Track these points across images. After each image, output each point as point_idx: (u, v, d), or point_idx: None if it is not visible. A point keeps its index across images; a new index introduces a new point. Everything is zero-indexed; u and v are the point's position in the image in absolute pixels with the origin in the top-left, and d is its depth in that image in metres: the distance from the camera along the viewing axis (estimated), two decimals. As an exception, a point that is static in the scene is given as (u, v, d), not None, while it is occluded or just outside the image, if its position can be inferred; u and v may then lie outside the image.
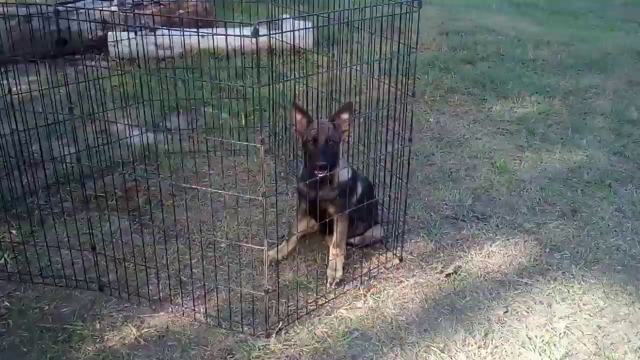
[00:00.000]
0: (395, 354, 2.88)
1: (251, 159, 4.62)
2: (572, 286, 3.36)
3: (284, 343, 2.92)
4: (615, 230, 3.89)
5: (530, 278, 3.42)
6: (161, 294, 3.16)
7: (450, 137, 5.29)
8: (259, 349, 2.88)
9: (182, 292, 3.20)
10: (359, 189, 3.46)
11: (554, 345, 2.93)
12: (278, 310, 3.10)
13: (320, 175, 3.11)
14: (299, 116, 3.26)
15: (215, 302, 3.11)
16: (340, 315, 3.12)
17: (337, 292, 3.27)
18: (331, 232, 3.44)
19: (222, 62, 5.64)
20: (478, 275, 3.44)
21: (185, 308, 3.10)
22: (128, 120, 4.19)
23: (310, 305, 3.14)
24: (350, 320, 3.09)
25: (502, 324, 3.08)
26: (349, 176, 3.34)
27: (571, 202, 4.21)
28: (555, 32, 8.90)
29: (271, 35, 3.91)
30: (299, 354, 2.86)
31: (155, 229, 3.60)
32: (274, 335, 2.96)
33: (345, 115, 3.19)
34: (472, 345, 2.93)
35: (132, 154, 4.43)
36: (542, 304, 3.22)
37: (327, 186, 3.26)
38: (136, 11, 6.76)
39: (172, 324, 3.03)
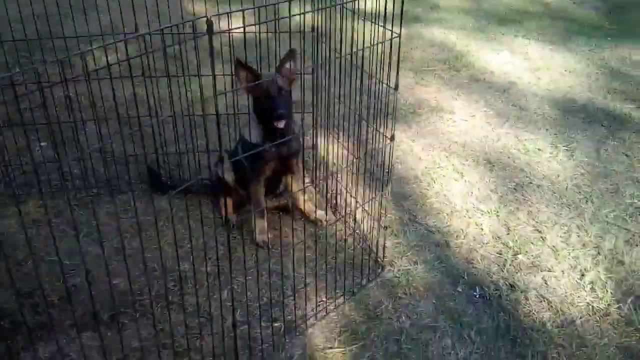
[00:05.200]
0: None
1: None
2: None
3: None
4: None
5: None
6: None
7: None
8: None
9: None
10: None
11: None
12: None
13: (280, 126, 3.05)
14: (244, 73, 3.04)
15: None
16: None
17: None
18: (277, 187, 3.49)
19: None
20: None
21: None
22: None
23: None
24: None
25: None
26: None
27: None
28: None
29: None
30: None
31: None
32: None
33: (289, 65, 3.12)
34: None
35: None
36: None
37: (294, 140, 3.25)
38: None
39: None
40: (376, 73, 2.73)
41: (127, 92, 3.45)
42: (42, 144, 4.04)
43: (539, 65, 5.87)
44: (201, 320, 2.69)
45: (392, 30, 2.57)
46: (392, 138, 2.81)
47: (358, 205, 3.25)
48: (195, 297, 2.79)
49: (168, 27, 1.97)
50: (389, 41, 2.55)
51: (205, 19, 1.81)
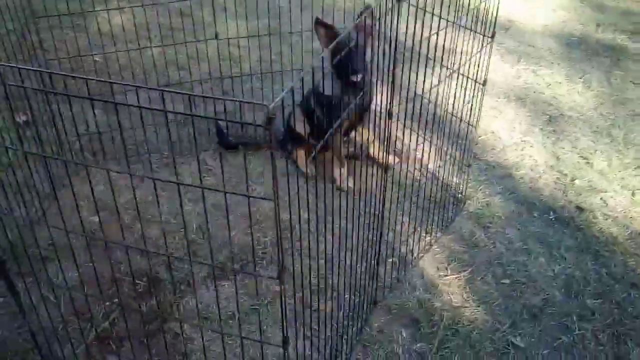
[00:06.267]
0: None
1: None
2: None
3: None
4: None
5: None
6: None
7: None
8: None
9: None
10: None
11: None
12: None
13: (356, 79, 3.24)
14: (322, 30, 3.24)
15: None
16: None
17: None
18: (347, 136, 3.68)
19: None
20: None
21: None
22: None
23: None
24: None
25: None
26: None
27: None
28: None
29: None
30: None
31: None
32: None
33: (366, 21, 3.25)
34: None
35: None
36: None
37: (369, 90, 3.43)
38: None
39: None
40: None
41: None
42: (97, 111, 3.99)
43: (531, 4, 6.19)
44: (322, 262, 2.92)
45: (486, 35, 2.82)
46: (484, 83, 3.05)
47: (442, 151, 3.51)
48: (308, 242, 3.03)
49: None
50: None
51: None
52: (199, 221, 3.21)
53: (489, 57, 3.04)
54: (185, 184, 3.24)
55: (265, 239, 3.12)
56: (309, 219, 1.94)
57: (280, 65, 3.85)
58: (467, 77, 3.06)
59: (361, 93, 3.35)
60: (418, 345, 2.61)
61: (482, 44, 2.97)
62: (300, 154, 3.66)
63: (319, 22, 3.22)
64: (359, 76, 3.25)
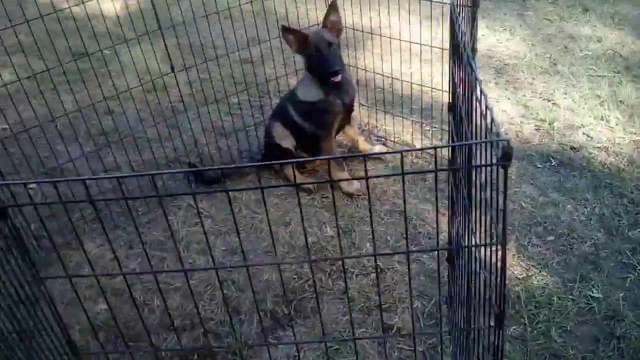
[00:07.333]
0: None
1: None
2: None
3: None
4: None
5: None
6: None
7: None
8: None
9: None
10: None
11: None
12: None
13: (337, 80, 3.08)
14: (292, 36, 3.11)
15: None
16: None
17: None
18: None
19: None
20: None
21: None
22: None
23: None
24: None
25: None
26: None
27: None
28: None
29: None
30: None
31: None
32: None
33: (334, 17, 3.14)
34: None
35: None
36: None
37: (350, 86, 3.27)
38: None
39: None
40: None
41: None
42: (31, 186, 3.38)
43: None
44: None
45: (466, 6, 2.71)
46: (475, 50, 2.98)
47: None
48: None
49: None
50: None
51: None
52: (222, 274, 2.84)
53: (475, 23, 2.95)
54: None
55: (301, 270, 2.84)
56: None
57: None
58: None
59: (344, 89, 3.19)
60: (511, 329, 2.50)
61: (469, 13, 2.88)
62: (291, 169, 3.38)
63: (285, 29, 3.04)
64: (340, 76, 3.05)
